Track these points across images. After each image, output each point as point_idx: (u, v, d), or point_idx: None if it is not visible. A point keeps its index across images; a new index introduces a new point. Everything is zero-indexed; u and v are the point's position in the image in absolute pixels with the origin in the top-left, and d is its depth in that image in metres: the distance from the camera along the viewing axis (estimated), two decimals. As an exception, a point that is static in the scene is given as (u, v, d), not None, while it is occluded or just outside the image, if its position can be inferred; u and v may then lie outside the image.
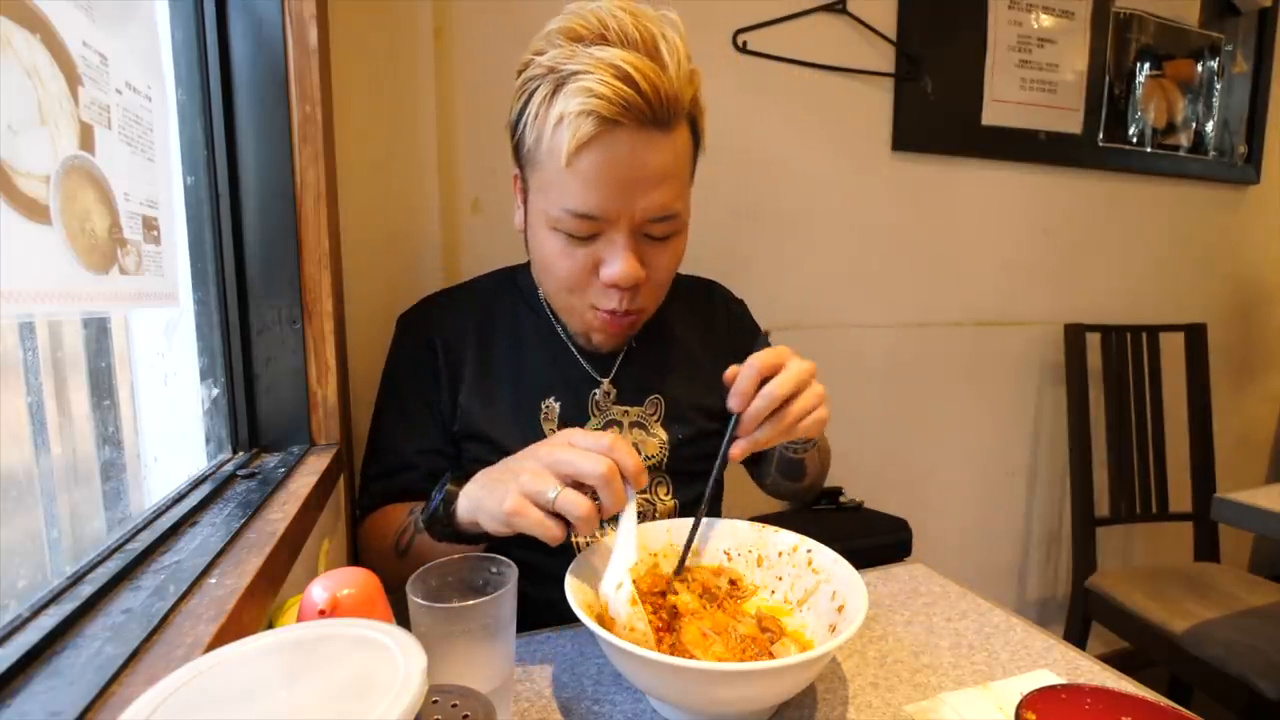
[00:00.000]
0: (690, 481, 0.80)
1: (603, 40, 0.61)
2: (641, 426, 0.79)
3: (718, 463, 0.62)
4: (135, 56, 0.49)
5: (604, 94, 0.59)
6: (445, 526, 0.60)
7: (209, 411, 0.66)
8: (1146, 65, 1.63)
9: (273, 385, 0.71)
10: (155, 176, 0.51)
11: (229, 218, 0.67)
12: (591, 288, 0.69)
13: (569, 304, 0.72)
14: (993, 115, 1.48)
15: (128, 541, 0.46)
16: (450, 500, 0.59)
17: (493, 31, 1.05)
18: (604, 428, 0.77)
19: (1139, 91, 1.64)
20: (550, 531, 0.51)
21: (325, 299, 0.72)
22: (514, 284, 0.84)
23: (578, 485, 0.52)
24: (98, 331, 0.50)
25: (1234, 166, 1.80)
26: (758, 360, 0.59)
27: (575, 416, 0.77)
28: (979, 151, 1.50)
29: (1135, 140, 1.65)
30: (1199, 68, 1.71)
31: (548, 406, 0.76)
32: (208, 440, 0.66)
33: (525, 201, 0.72)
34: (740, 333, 0.92)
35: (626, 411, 0.79)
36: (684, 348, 0.85)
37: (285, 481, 0.62)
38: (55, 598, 0.38)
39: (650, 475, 0.78)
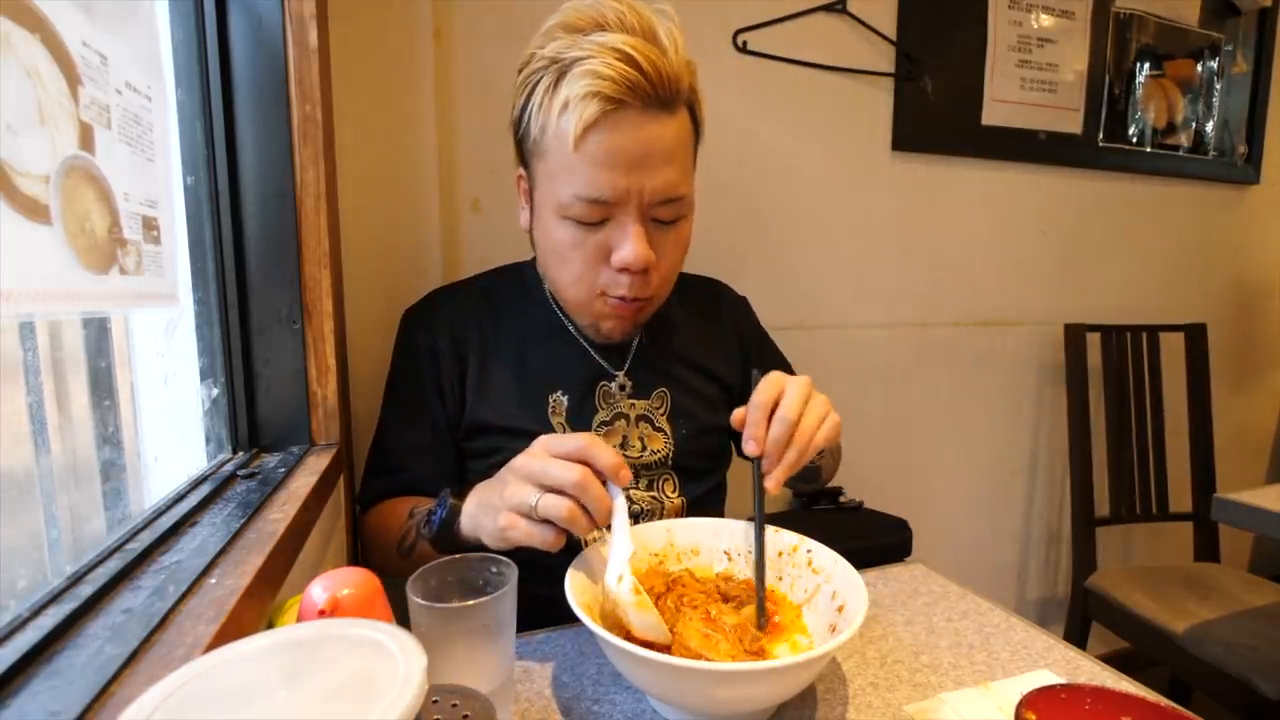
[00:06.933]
0: (697, 478, 0.80)
1: (601, 29, 0.63)
2: (648, 420, 0.79)
3: (756, 506, 0.61)
4: (135, 56, 0.49)
5: (608, 75, 0.60)
6: (450, 543, 0.61)
7: (209, 411, 0.66)
8: (1146, 65, 1.63)
9: (273, 385, 0.71)
10: (155, 176, 0.51)
11: (229, 218, 0.67)
12: (602, 275, 0.70)
13: (578, 296, 0.72)
14: (993, 115, 1.48)
15: (128, 541, 0.46)
16: (454, 517, 0.60)
17: (493, 31, 1.05)
18: (611, 421, 0.78)
19: (1139, 91, 1.64)
20: (545, 538, 0.52)
21: (325, 299, 0.72)
22: (520, 279, 0.84)
23: (560, 490, 0.52)
24: (98, 331, 0.50)
25: (1234, 166, 1.80)
26: (760, 398, 0.59)
27: (583, 410, 0.77)
28: (979, 151, 1.50)
29: (1135, 140, 1.65)
30: (1199, 68, 1.71)
31: (555, 400, 0.77)
32: (208, 440, 0.66)
33: (531, 199, 0.73)
34: (744, 331, 0.93)
35: (633, 405, 0.79)
36: (690, 344, 0.85)
37: (285, 481, 0.62)
38: (55, 598, 0.38)
39: (657, 471, 0.78)
